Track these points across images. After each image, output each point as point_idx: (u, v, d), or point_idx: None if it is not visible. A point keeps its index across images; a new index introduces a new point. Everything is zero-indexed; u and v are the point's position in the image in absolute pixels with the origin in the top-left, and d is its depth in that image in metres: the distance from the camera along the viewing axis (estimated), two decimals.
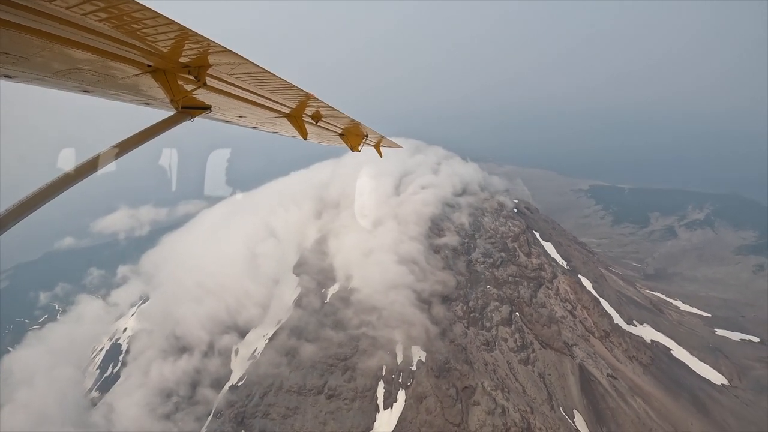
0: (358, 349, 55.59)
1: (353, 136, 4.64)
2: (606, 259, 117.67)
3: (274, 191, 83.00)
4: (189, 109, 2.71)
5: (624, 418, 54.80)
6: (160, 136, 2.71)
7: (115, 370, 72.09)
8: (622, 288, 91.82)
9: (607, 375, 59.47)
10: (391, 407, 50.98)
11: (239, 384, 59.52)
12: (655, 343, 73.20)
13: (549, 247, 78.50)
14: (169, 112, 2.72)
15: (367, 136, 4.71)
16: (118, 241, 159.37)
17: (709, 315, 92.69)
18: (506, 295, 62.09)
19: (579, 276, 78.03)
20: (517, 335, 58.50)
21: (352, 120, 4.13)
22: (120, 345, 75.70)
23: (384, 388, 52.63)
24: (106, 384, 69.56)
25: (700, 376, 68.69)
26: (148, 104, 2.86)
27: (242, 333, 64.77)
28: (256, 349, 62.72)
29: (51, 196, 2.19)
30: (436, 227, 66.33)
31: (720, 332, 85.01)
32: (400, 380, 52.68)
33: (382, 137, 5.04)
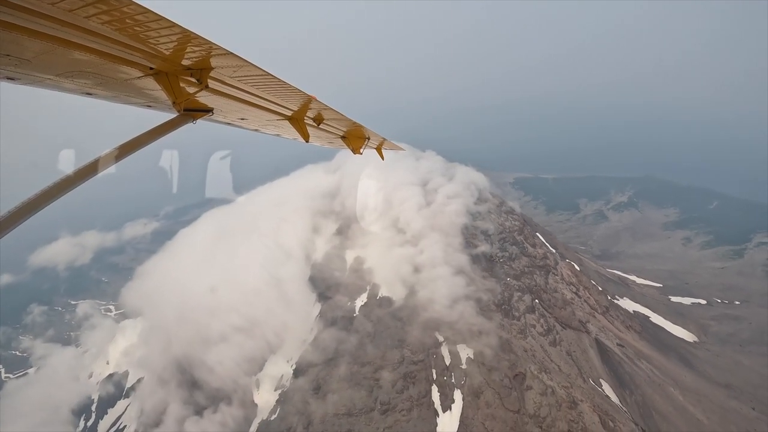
0: (404, 358, 58.81)
1: (355, 138, 4.95)
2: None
3: (262, 202, 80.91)
4: (191, 111, 2.97)
5: (639, 379, 66.51)
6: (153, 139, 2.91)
7: (88, 424, 64.98)
8: (595, 268, 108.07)
9: (617, 344, 71.28)
10: (450, 409, 55.20)
11: (272, 418, 58.41)
12: (637, 313, 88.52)
13: (541, 238, 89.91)
14: (171, 115, 2.98)
15: (368, 138, 5.02)
16: (58, 274, 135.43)
17: (661, 285, 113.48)
18: (525, 284, 70.67)
19: (567, 261, 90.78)
20: (542, 320, 67.16)
21: (354, 122, 4.40)
22: (89, 395, 68.11)
23: (438, 391, 56.68)
24: None
25: (676, 336, 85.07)
26: (149, 107, 3.07)
27: (261, 363, 63.36)
28: (282, 377, 61.98)
29: (51, 199, 2.37)
30: (469, 236, 72.57)
31: (674, 299, 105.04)
32: (452, 380, 57.23)
33: (384, 140, 5.35)
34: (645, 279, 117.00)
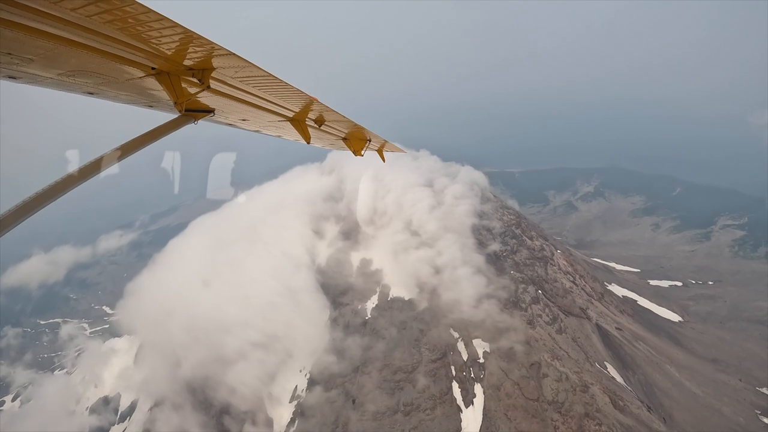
0: (422, 358, 59.59)
1: (356, 140, 5.02)
2: None
3: (255, 208, 78.68)
4: (192, 111, 3.06)
5: (640, 360, 70.85)
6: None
7: None
8: (582, 257, 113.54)
9: (616, 328, 75.50)
10: (473, 403, 56.60)
11: (291, 431, 57.44)
12: (626, 298, 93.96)
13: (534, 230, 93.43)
14: (172, 115, 3.06)
15: (369, 140, 5.07)
16: (30, 293, 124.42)
17: (639, 270, 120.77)
18: (528, 276, 73.40)
19: (558, 251, 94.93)
20: (547, 310, 69.99)
21: (355, 124, 4.46)
22: (80, 422, 64.27)
23: (459, 387, 57.91)
24: None
25: (663, 317, 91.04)
26: (151, 107, 3.15)
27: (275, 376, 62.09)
28: (296, 387, 61.06)
29: (53, 197, 2.42)
30: (479, 236, 74.27)
31: (653, 282, 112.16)
32: (472, 376, 58.65)
33: (385, 142, 5.40)
34: (624, 265, 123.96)
